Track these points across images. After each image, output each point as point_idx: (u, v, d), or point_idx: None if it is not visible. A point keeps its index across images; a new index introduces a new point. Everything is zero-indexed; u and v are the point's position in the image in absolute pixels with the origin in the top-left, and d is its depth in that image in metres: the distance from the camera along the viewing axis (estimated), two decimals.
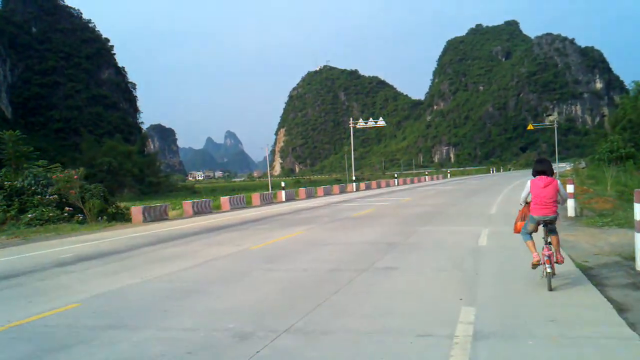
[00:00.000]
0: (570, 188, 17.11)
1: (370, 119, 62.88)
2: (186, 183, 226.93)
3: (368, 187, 55.73)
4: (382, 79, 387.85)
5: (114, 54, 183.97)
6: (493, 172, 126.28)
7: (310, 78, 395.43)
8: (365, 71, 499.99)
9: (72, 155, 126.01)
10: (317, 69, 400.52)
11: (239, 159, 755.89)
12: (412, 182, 71.50)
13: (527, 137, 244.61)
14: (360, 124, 62.58)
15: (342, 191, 49.26)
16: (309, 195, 42.28)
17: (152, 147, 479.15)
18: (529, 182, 8.08)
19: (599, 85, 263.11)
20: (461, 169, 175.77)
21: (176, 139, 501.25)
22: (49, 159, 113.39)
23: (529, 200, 8.21)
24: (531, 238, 8.11)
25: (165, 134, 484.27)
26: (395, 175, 68.97)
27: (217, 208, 33.62)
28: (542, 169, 8.00)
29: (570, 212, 17.25)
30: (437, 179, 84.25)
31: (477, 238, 13.33)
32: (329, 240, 14.66)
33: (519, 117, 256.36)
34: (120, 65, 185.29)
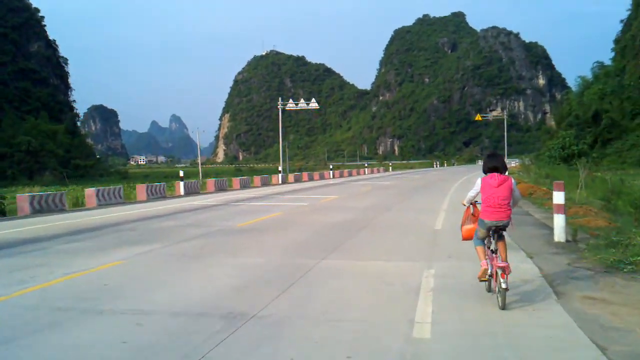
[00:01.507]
0: (559, 198, 11.27)
1: (302, 100, 56.85)
2: (127, 167, 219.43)
3: (298, 180, 49.86)
4: (329, 66, 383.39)
5: (44, 25, 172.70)
6: (436, 166, 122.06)
7: (257, 62, 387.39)
8: (313, 58, 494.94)
9: None
10: (264, 53, 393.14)
11: (184, 144, 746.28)
12: (350, 174, 65.97)
13: (471, 132, 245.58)
14: (291, 105, 56.46)
15: (265, 183, 43.12)
16: (220, 188, 36.09)
17: (93, 128, 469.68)
18: (479, 180, 7.03)
19: (541, 81, 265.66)
20: (404, 162, 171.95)
21: (119, 121, 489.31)
22: None
23: (478, 200, 7.23)
24: (483, 244, 7.22)
25: (108, 116, 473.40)
26: (331, 167, 63.17)
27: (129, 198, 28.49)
28: (495, 165, 7.02)
29: (560, 235, 11.44)
30: (379, 171, 79.23)
31: (412, 296, 7.32)
32: (123, 297, 7.54)
33: (463, 111, 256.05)
34: (51, 38, 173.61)
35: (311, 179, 53.42)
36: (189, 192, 31.70)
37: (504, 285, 6.53)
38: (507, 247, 7.05)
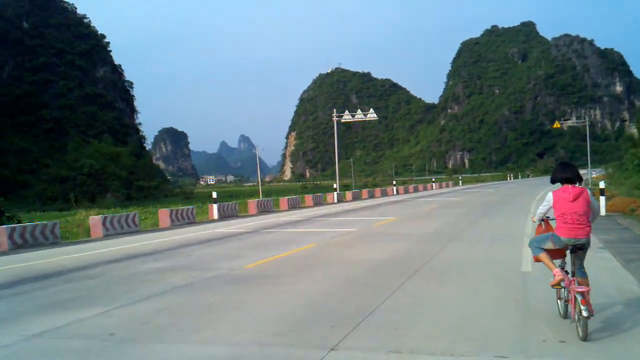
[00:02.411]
0: None
1: (359, 110, 52.53)
2: (195, 187, 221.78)
3: (357, 198, 45.40)
4: (395, 81, 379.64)
5: (110, 50, 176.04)
6: (510, 178, 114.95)
7: (322, 80, 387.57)
8: (378, 74, 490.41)
9: (58, 157, 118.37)
10: (329, 71, 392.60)
11: (252, 164, 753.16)
12: (416, 190, 61.02)
13: (545, 143, 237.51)
14: (347, 116, 52.19)
15: (318, 203, 38.95)
16: (264, 210, 32.12)
17: (163, 150, 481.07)
18: (550, 194, 6.29)
19: (619, 88, 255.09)
20: (475, 175, 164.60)
21: (188, 143, 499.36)
22: (33, 161, 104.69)
23: (550, 216, 6.60)
24: (544, 250, 6.36)
25: (178, 138, 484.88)
26: (394, 183, 58.39)
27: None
28: (568, 175, 6.24)
29: None
30: (447, 186, 73.76)
31: None
32: None
33: (536, 121, 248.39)
34: (117, 62, 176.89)
35: (372, 196, 48.90)
36: (224, 216, 27.83)
37: (585, 314, 5.64)
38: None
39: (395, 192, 53.72)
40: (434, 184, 68.29)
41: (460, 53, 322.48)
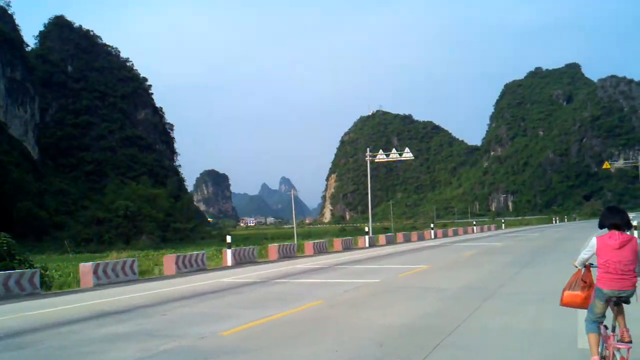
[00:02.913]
0: None
1: (394, 150, 50.11)
2: (235, 229, 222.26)
3: (390, 242, 42.54)
4: (437, 124, 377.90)
5: (152, 93, 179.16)
6: (556, 221, 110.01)
7: (363, 123, 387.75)
8: (419, 116, 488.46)
9: (96, 199, 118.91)
10: (370, 113, 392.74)
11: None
12: (455, 233, 57.89)
13: (591, 185, 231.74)
14: (381, 156, 49.75)
15: (348, 247, 36.33)
16: (286, 255, 29.59)
17: (205, 192, 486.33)
18: (594, 240, 5.77)
19: None
20: (519, 218, 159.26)
21: (229, 185, 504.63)
22: (71, 203, 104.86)
23: (594, 263, 5.98)
24: (597, 331, 5.78)
25: (219, 180, 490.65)
26: (432, 227, 55.38)
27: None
28: (616, 221, 5.72)
29: None
30: (490, 229, 70.20)
31: None
32: None
33: (582, 164, 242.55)
34: (158, 105, 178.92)
35: (408, 240, 46.03)
36: (240, 262, 25.44)
37: None
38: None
39: (433, 236, 50.74)
40: (475, 227, 64.87)
41: (503, 95, 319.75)
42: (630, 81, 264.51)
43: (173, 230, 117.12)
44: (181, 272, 21.56)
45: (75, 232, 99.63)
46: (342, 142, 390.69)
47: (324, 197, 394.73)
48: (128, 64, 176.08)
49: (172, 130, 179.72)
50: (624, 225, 5.68)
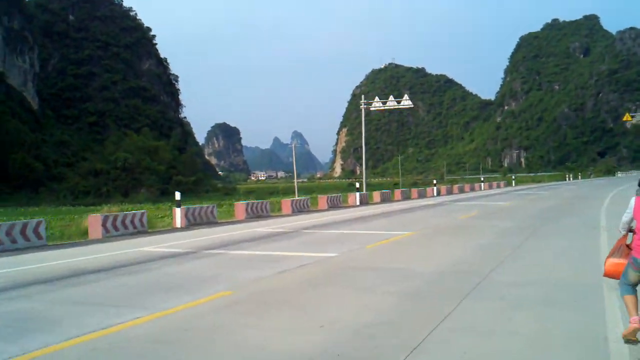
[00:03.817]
0: None
1: (391, 96, 45.89)
2: (246, 183, 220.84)
3: (386, 200, 38.83)
4: (450, 77, 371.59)
5: (156, 43, 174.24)
6: (569, 179, 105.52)
7: (375, 76, 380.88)
8: (433, 69, 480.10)
9: (98, 151, 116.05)
10: (382, 66, 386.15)
11: (304, 160, 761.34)
12: (461, 191, 54.13)
13: (607, 142, 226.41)
14: (377, 104, 45.58)
15: (335, 205, 32.65)
16: (257, 215, 25.92)
17: (216, 145, 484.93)
18: (633, 201, 5.31)
19: None
20: (532, 174, 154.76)
21: (240, 138, 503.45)
22: (71, 154, 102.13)
23: (633, 227, 5.38)
24: (633, 292, 5.23)
25: (230, 133, 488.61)
26: (434, 183, 51.45)
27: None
28: None
29: None
30: (499, 186, 66.26)
31: None
32: None
33: (598, 119, 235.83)
34: (162, 56, 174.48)
35: (407, 197, 42.37)
36: (195, 223, 21.93)
37: None
38: None
39: (435, 194, 47.00)
40: (482, 184, 60.92)
41: (518, 48, 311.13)
42: None
43: (175, 183, 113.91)
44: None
45: (72, 185, 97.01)
46: (354, 95, 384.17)
47: (334, 152, 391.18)
48: (131, 13, 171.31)
49: (177, 81, 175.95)
50: None
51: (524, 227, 18.09)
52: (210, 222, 22.65)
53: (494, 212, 25.76)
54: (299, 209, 28.88)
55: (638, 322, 5.00)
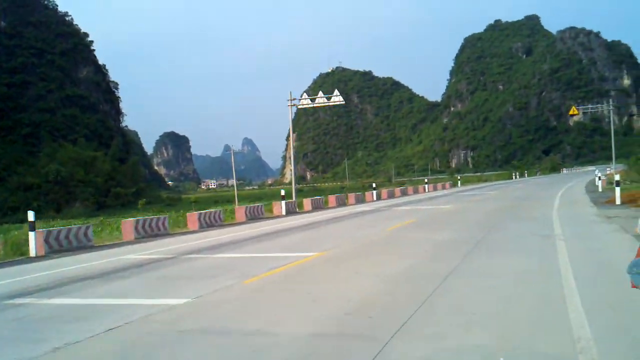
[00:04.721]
0: None
1: (320, 92, 42.35)
2: (196, 192, 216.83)
3: (319, 207, 35.09)
4: (397, 80, 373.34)
5: (94, 50, 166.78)
6: (516, 177, 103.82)
7: (322, 80, 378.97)
8: (380, 72, 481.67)
9: (33, 163, 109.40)
10: (329, 70, 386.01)
11: (256, 166, 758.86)
12: (404, 193, 50.88)
13: (551, 139, 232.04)
14: (305, 100, 41.91)
15: (255, 217, 28.66)
16: (148, 235, 21.68)
17: (165, 154, 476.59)
18: None
19: (626, 82, 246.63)
20: (478, 174, 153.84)
21: (190, 147, 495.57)
22: (2, 168, 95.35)
23: None
24: None
25: (179, 142, 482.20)
26: (373, 187, 47.97)
27: None
28: None
29: None
30: (444, 187, 63.40)
31: None
32: None
33: (542, 118, 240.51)
34: (101, 63, 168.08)
35: (342, 204, 38.72)
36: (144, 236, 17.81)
37: None
38: None
39: (375, 198, 43.49)
40: (427, 185, 57.78)
41: (463, 49, 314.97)
42: (590, 32, 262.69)
43: (114, 195, 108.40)
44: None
45: (1, 200, 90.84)
46: (320, 106, 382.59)
47: (284, 158, 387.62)
48: (67, 18, 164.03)
49: (117, 89, 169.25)
50: None
51: (465, 239, 14.52)
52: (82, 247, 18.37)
53: (433, 218, 22.28)
54: (208, 224, 24.75)
55: None
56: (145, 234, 21.18)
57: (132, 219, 22.20)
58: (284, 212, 30.47)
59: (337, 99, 41.28)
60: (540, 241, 13.28)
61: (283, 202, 30.83)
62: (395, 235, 16.80)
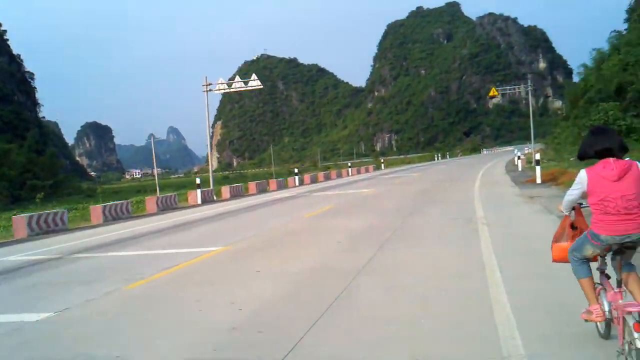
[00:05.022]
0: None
1: (237, 77, 40.69)
2: (120, 182, 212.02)
3: (237, 194, 33.66)
4: (322, 66, 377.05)
5: (7, 39, 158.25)
6: (438, 158, 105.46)
7: (247, 67, 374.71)
8: (305, 59, 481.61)
9: None
10: (254, 57, 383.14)
11: (182, 155, 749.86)
12: (327, 178, 50.09)
13: (471, 121, 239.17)
14: (221, 84, 40.06)
15: (168, 207, 27.01)
16: (47, 231, 19.77)
17: (87, 145, 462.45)
18: (583, 173, 4.49)
19: (542, 65, 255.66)
20: (402, 156, 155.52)
21: (113, 137, 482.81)
22: None
23: (583, 202, 4.88)
24: (590, 273, 4.65)
25: (102, 132, 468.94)
26: (296, 172, 46.76)
27: None
28: (606, 145, 4.39)
29: None
30: (367, 171, 62.98)
31: None
32: None
33: (462, 101, 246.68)
34: (15, 52, 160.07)
35: (263, 191, 37.41)
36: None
37: (639, 344, 3.76)
38: None
39: (297, 183, 42.35)
40: (350, 169, 57.07)
41: (386, 35, 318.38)
42: (507, 18, 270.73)
43: (30, 187, 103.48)
44: None
45: None
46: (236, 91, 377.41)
47: (210, 145, 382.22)
48: None
49: (32, 79, 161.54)
50: (617, 149, 4.34)
51: (382, 226, 13.55)
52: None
53: (352, 204, 21.31)
54: (114, 216, 22.93)
55: (601, 313, 4.42)
56: (41, 231, 19.24)
57: (24, 214, 20.17)
58: (199, 201, 28.85)
59: (254, 83, 39.61)
60: (462, 226, 12.44)
61: (199, 191, 29.18)
62: (311, 223, 15.68)
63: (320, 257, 9.88)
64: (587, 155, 4.45)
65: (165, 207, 26.77)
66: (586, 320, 4.64)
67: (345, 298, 6.81)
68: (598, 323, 4.76)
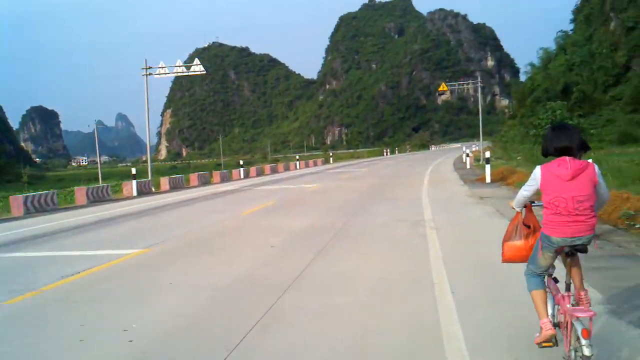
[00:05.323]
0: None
1: (178, 61, 38.88)
2: (66, 169, 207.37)
3: (178, 186, 32.01)
4: (274, 57, 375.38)
5: None
6: (387, 153, 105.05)
7: (199, 55, 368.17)
8: (257, 48, 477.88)
9: None
10: (206, 45, 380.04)
11: (131, 143, 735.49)
12: (273, 171, 48.78)
13: (420, 117, 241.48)
14: (161, 69, 38.10)
15: (99, 199, 25.26)
16: None
17: (32, 130, 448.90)
18: (538, 170, 4.33)
19: (490, 63, 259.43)
20: (351, 150, 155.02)
21: (59, 122, 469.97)
22: None
23: (536, 202, 4.74)
24: (543, 286, 4.44)
25: (47, 117, 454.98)
26: (241, 164, 45.03)
27: None
28: (566, 144, 4.19)
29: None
30: (316, 164, 61.85)
31: None
32: None
33: (412, 96, 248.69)
34: None
35: (205, 183, 35.80)
36: None
37: (587, 352, 3.67)
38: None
39: (242, 176, 40.81)
40: (298, 162, 55.85)
41: (338, 27, 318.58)
42: (457, 14, 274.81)
43: None
44: None
45: None
46: (177, 76, 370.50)
47: (159, 134, 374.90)
48: None
49: None
50: (578, 147, 4.17)
51: (323, 227, 12.36)
52: None
53: (295, 200, 20.07)
54: (37, 208, 21.02)
55: (551, 326, 4.24)
56: None
57: None
58: (135, 193, 27.07)
59: (197, 68, 37.90)
60: (409, 230, 11.34)
61: (134, 182, 27.39)
62: (247, 222, 14.35)
63: (248, 265, 8.60)
64: (549, 152, 4.24)
65: (97, 199, 24.96)
66: (541, 346, 4.32)
67: (264, 327, 5.53)
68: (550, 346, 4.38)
